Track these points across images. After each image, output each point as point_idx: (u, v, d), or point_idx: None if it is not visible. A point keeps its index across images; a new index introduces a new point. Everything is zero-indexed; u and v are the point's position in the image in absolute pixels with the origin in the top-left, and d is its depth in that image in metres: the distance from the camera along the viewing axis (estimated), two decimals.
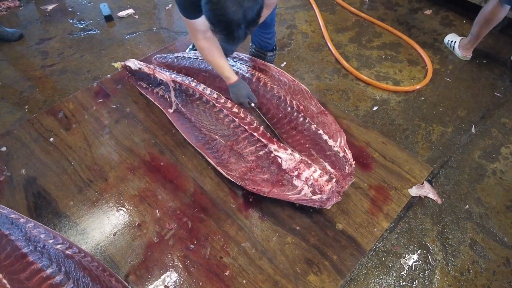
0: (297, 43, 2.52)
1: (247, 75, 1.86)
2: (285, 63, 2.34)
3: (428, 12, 2.86)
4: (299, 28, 2.66)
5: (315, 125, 1.67)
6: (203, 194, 1.64)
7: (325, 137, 1.64)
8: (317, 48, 2.49)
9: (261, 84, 1.82)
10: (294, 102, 1.75)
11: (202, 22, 1.48)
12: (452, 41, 2.49)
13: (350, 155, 1.64)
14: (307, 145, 1.67)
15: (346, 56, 2.43)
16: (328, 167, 1.60)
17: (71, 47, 2.43)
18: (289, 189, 1.52)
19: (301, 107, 1.73)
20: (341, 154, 1.61)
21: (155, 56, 2.17)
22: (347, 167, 1.59)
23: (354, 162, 1.65)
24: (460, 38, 2.47)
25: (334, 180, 1.50)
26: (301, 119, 1.70)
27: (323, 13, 2.79)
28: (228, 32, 1.21)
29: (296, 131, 1.70)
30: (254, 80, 1.83)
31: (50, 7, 2.77)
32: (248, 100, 1.70)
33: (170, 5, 2.86)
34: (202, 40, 1.59)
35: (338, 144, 1.64)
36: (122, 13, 2.70)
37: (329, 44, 2.49)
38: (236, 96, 1.71)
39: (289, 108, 1.73)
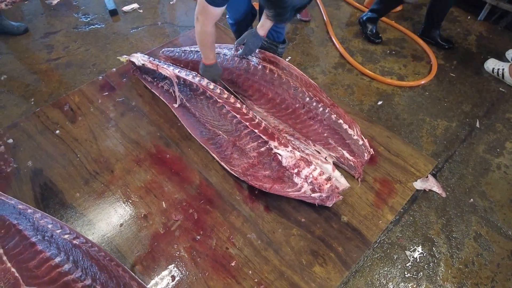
0: (302, 38, 2.53)
1: (259, 66, 1.87)
2: (290, 57, 2.35)
3: None
4: (304, 23, 2.66)
5: (335, 115, 1.71)
6: (208, 186, 1.64)
7: (345, 126, 1.69)
8: (322, 43, 2.49)
9: (275, 75, 1.83)
10: (310, 93, 1.78)
11: (221, 10, 1.57)
12: (499, 68, 2.25)
13: (367, 143, 1.70)
14: (325, 134, 1.70)
15: (351, 51, 2.43)
16: (347, 155, 1.65)
17: (76, 41, 2.44)
18: (289, 186, 1.53)
19: (317, 98, 1.76)
20: (361, 142, 1.68)
21: (162, 50, 2.18)
22: (366, 154, 1.66)
23: (372, 149, 1.71)
24: (508, 64, 2.23)
25: (333, 179, 1.51)
26: (321, 108, 1.73)
27: (327, 9, 2.79)
28: (279, 14, 1.34)
29: (314, 120, 1.73)
30: (267, 71, 1.84)
31: (54, 1, 2.78)
32: (219, 80, 1.87)
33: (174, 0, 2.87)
34: (212, 27, 1.66)
35: (355, 133, 1.69)
36: (126, 8, 2.70)
37: (333, 39, 2.49)
38: (210, 74, 1.82)
39: (307, 99, 1.75)
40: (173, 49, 2.15)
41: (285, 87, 1.80)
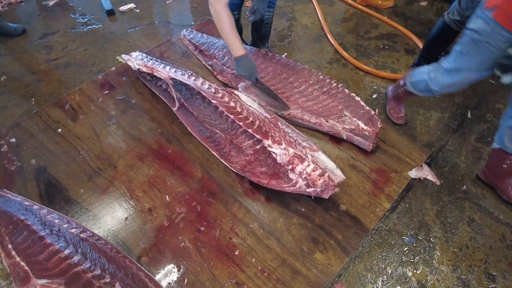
0: (297, 34, 2.58)
1: (277, 56, 2.10)
2: (286, 54, 2.40)
3: (423, 3, 2.93)
4: (299, 20, 2.71)
5: (347, 90, 1.90)
6: (210, 179, 1.69)
7: (357, 98, 1.86)
8: (317, 39, 2.54)
9: (290, 61, 2.07)
10: (320, 74, 1.99)
11: None
12: None
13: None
14: (339, 107, 1.85)
15: (345, 46, 2.48)
16: (362, 125, 1.76)
17: (74, 41, 2.47)
18: (285, 182, 1.57)
19: (329, 77, 1.97)
20: (373, 113, 1.81)
21: (186, 30, 2.40)
22: (379, 123, 1.77)
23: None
24: None
25: (326, 174, 1.55)
26: (334, 84, 1.92)
27: (321, 6, 2.84)
28: None
29: (329, 95, 1.90)
30: (283, 56, 2.09)
31: (51, 3, 2.80)
32: (255, 76, 1.78)
33: None
34: (224, 9, 1.63)
35: (366, 105, 1.85)
36: (123, 8, 2.73)
37: (328, 35, 2.54)
38: (246, 68, 1.74)
39: (321, 76, 1.96)
40: (195, 32, 2.38)
41: (300, 69, 2.01)
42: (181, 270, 1.41)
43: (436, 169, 1.80)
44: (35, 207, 1.50)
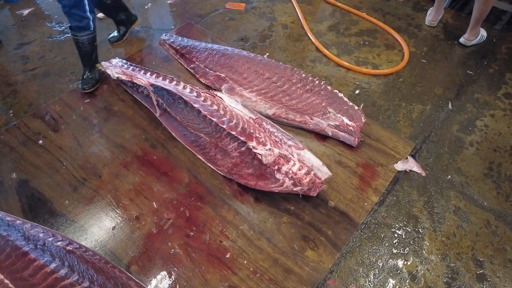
0: (278, 34, 2.58)
1: (258, 56, 2.11)
2: (267, 54, 2.40)
3: None
4: (279, 20, 2.72)
5: (330, 87, 1.92)
6: (198, 183, 1.67)
7: (340, 94, 1.88)
8: (298, 38, 2.56)
9: (273, 60, 2.08)
10: (303, 72, 2.00)
11: None
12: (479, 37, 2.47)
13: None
14: (323, 104, 1.86)
15: (326, 44, 2.50)
16: (346, 121, 1.78)
17: (52, 50, 2.41)
18: (272, 182, 1.57)
19: (311, 74, 1.99)
20: (356, 108, 1.84)
21: (165, 35, 2.40)
22: (362, 118, 1.80)
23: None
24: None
25: (312, 172, 1.56)
26: (317, 81, 1.93)
27: (300, 5, 2.86)
28: None
29: (312, 93, 1.91)
30: (265, 57, 2.10)
31: (26, 12, 2.73)
32: None
33: (149, 4, 2.87)
34: None
35: (349, 101, 1.88)
36: (101, 14, 2.68)
37: (308, 33, 2.56)
38: None
39: (303, 74, 1.97)
40: (175, 35, 2.37)
41: (282, 68, 2.02)
42: (172, 277, 1.39)
43: (421, 160, 1.83)
44: (17, 222, 1.46)
